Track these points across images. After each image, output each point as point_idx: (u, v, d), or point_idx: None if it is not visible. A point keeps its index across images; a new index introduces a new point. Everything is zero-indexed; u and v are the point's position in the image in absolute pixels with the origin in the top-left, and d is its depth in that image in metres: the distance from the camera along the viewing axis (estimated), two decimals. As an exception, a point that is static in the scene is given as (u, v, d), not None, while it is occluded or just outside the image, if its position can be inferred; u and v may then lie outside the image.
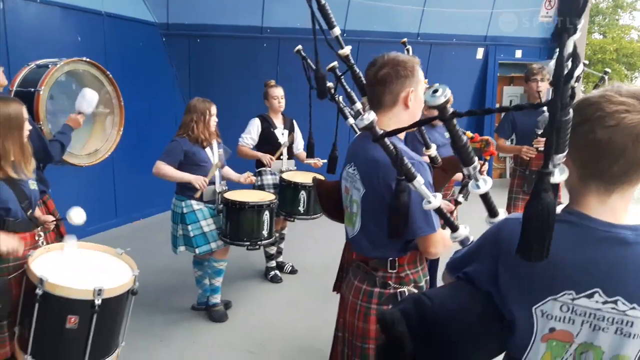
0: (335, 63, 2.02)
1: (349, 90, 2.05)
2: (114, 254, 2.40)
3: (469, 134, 4.32)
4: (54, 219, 2.40)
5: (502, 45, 8.58)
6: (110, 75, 3.86)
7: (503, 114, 4.61)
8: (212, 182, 3.54)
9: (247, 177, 3.79)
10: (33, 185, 2.26)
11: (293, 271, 4.60)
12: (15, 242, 2.10)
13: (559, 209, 1.03)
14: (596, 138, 0.96)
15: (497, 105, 9.58)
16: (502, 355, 1.20)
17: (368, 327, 1.71)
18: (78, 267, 2.21)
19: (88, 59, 3.71)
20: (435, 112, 1.04)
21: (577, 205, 1.03)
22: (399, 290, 1.70)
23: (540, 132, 3.97)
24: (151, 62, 6.59)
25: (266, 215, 3.46)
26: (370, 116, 1.21)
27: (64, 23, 5.19)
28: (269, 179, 4.24)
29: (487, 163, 2.03)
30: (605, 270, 0.97)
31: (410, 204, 1.44)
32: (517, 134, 4.30)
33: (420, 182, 1.27)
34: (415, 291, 1.70)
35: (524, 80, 4.39)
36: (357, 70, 1.82)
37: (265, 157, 4.19)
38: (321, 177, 3.12)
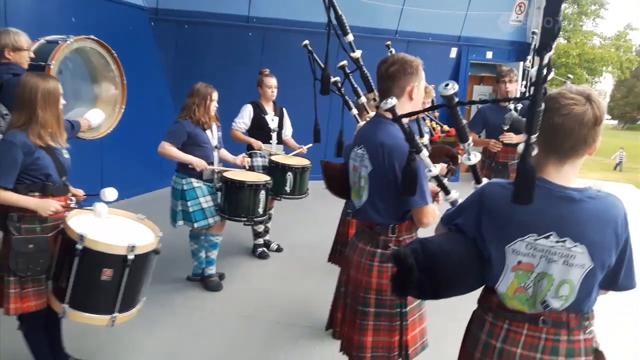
0: (344, 62, 2.35)
1: (355, 85, 2.39)
2: (136, 218, 2.68)
3: (446, 127, 4.76)
4: (85, 194, 2.64)
5: (474, 46, 9.09)
6: (115, 54, 4.08)
7: (476, 112, 5.07)
8: (210, 163, 3.82)
9: (243, 159, 4.08)
10: (66, 154, 2.51)
11: (279, 249, 4.93)
12: (51, 203, 2.35)
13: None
14: (554, 122, 1.35)
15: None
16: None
17: (370, 281, 2.07)
18: (108, 227, 2.47)
19: (95, 38, 3.93)
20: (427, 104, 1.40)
21: (540, 173, 1.41)
22: (393, 263, 2.05)
23: (506, 127, 4.41)
24: (139, 45, 6.74)
25: (262, 194, 3.77)
26: (392, 101, 1.58)
27: (60, 4, 5.31)
28: (259, 161, 4.54)
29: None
30: (559, 219, 1.37)
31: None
32: (487, 129, 4.73)
33: (425, 154, 1.64)
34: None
35: (494, 80, 4.83)
36: (365, 70, 2.16)
37: (257, 143, 4.49)
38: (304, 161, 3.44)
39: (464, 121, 1.59)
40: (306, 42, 2.70)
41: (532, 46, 4.87)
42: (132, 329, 3.13)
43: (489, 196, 1.48)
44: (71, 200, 2.52)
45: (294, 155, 4.50)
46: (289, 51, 7.53)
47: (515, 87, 4.55)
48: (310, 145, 4.58)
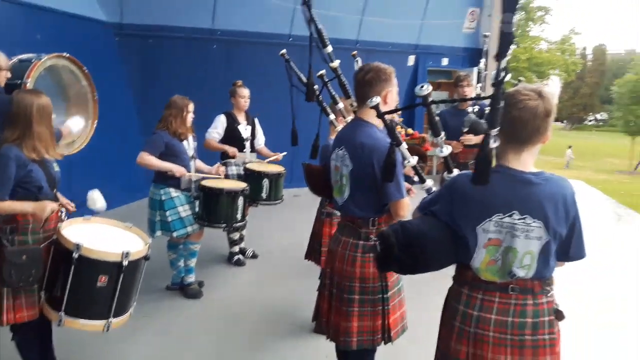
0: (323, 71, 2.55)
1: (333, 93, 2.59)
2: (124, 227, 2.77)
3: (410, 130, 5.03)
4: (74, 206, 2.72)
5: (431, 53, 9.51)
6: (87, 71, 4.15)
7: (436, 114, 5.36)
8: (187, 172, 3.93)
9: (218, 168, 4.20)
10: (57, 167, 2.59)
11: (254, 256, 5.05)
12: (47, 204, 2.43)
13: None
14: (512, 115, 1.58)
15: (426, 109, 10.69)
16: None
17: (354, 270, 2.25)
18: (100, 236, 2.56)
19: (68, 55, 3.99)
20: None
21: (502, 161, 1.65)
22: (377, 242, 2.24)
23: (466, 129, 4.71)
24: (104, 60, 6.74)
25: (240, 200, 3.90)
26: (377, 99, 1.80)
27: (25, 22, 5.31)
28: (233, 170, 4.67)
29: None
30: (519, 199, 1.60)
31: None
32: (447, 132, 4.98)
33: (404, 147, 1.85)
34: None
35: (453, 85, 5.14)
36: (343, 79, 2.36)
37: (231, 149, 4.62)
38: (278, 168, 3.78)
39: (426, 124, 1.80)
40: (283, 51, 2.88)
41: (484, 49, 5.21)
42: (119, 339, 3.20)
43: (460, 185, 1.70)
44: (62, 211, 2.59)
45: (269, 162, 4.65)
46: (253, 62, 7.72)
47: (472, 90, 4.87)
48: (285, 153, 4.74)
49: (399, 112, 3.01)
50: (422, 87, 1.65)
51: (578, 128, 53.43)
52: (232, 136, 4.68)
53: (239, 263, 4.83)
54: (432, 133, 1.74)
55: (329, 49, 2.36)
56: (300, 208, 6.19)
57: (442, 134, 1.75)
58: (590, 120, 56.77)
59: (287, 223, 6.13)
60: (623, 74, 30.76)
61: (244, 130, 4.73)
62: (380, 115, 1.83)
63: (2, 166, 2.34)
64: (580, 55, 39.81)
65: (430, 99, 1.64)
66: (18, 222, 2.39)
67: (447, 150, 1.78)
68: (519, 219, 1.59)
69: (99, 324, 2.43)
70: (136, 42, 7.24)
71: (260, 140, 4.93)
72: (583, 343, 3.43)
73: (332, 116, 2.72)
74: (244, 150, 4.72)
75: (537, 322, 1.64)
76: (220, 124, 4.66)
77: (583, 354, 3.33)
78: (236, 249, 4.91)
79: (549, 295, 1.67)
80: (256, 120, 4.91)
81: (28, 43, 5.16)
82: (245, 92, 4.67)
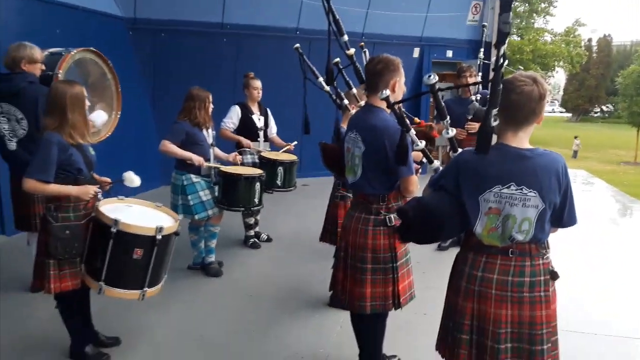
0: (338, 59, 2.77)
1: (347, 79, 2.81)
2: (154, 206, 3.02)
3: (417, 119, 5.24)
4: (111, 181, 2.97)
5: (435, 45, 9.69)
6: (111, 65, 4.40)
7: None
8: (208, 159, 4.18)
9: (235, 156, 4.45)
10: (92, 151, 2.83)
11: (269, 240, 5.31)
12: (89, 188, 2.70)
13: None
14: (510, 98, 1.79)
15: (431, 100, 10.86)
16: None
17: (367, 242, 2.50)
18: (134, 213, 2.81)
19: (95, 49, 4.25)
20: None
21: (501, 139, 1.88)
22: (387, 216, 2.49)
23: (470, 117, 4.91)
24: (119, 54, 6.96)
25: (257, 186, 4.14)
26: (387, 92, 2.03)
27: (45, 18, 5.55)
28: (248, 158, 4.90)
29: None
30: (516, 172, 1.82)
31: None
32: (451, 119, 5.21)
33: (412, 133, 2.07)
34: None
35: (455, 76, 5.34)
36: (358, 65, 2.58)
37: (245, 140, 4.86)
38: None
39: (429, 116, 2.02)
40: (297, 45, 3.09)
41: (483, 38, 5.45)
42: (145, 313, 3.46)
43: (463, 160, 1.93)
44: (98, 191, 2.83)
45: (282, 152, 4.88)
46: (262, 54, 7.94)
47: (475, 80, 5.07)
48: (296, 142, 4.99)
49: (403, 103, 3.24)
50: (429, 76, 1.89)
51: (584, 120, 53.30)
52: (246, 126, 4.92)
53: (255, 246, 5.08)
54: (439, 116, 1.97)
55: (345, 37, 2.58)
56: (309, 196, 6.46)
57: (448, 117, 1.99)
58: (596, 112, 56.59)
59: (298, 209, 6.39)
60: (629, 65, 30.64)
61: (258, 120, 4.97)
62: (391, 105, 2.06)
63: (46, 151, 2.58)
64: (585, 47, 39.71)
65: (437, 87, 1.87)
66: (61, 201, 2.64)
67: (452, 132, 2.02)
68: (516, 189, 1.81)
69: (135, 293, 2.69)
70: (149, 36, 7.47)
71: (273, 129, 5.16)
72: (581, 332, 3.48)
73: (345, 101, 2.94)
74: (258, 140, 4.96)
75: (534, 281, 1.87)
76: (235, 114, 4.89)
77: (581, 342, 3.32)
78: (251, 232, 5.16)
79: (545, 257, 1.90)
80: (268, 111, 5.14)
81: (48, 37, 5.40)
82: (257, 83, 4.91)
